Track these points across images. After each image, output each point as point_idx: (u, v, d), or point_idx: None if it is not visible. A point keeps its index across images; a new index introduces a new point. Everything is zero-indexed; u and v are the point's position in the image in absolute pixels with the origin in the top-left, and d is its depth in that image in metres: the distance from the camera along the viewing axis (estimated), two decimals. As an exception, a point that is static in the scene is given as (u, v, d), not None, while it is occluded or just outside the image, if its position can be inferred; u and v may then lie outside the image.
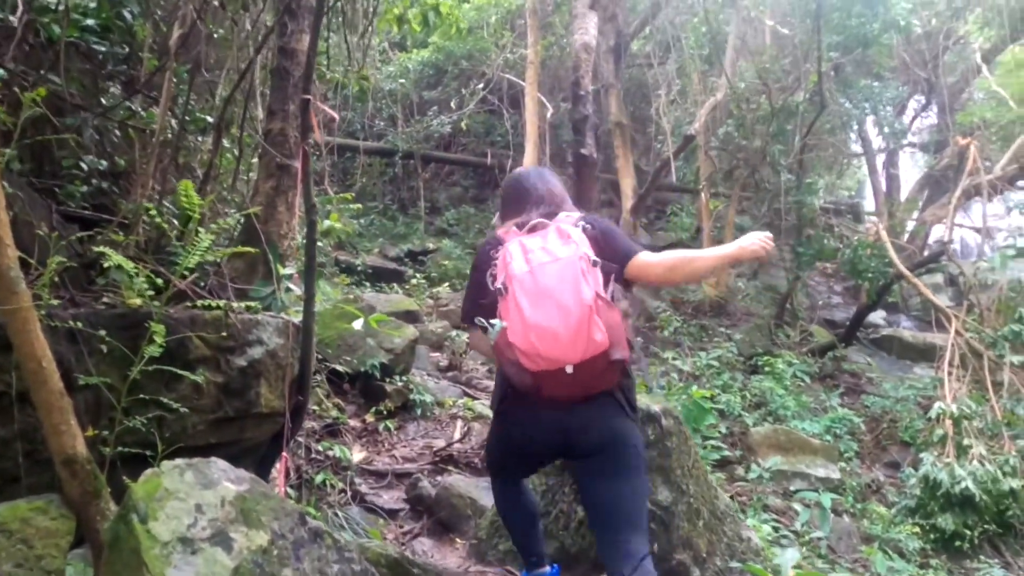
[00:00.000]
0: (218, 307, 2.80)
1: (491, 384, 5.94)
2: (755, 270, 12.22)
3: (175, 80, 3.47)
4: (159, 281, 2.67)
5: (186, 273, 2.74)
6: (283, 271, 3.33)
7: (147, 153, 3.34)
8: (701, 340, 9.78)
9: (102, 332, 2.43)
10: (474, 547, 3.52)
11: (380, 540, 3.42)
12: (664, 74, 11.81)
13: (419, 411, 5.25)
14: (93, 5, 3.42)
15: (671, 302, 10.73)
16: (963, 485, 5.57)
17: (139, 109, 3.64)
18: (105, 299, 2.70)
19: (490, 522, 3.48)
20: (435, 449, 4.74)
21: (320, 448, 4.21)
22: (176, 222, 3.07)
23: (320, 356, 4.87)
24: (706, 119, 10.10)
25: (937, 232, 11.51)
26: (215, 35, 3.97)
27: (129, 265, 2.55)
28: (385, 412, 5.00)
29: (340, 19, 4.64)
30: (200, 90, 4.07)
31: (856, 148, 14.14)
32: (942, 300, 9.03)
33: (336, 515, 3.62)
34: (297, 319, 3.17)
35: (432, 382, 6.05)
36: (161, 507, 1.81)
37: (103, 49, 3.48)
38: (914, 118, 14.60)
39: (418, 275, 10.37)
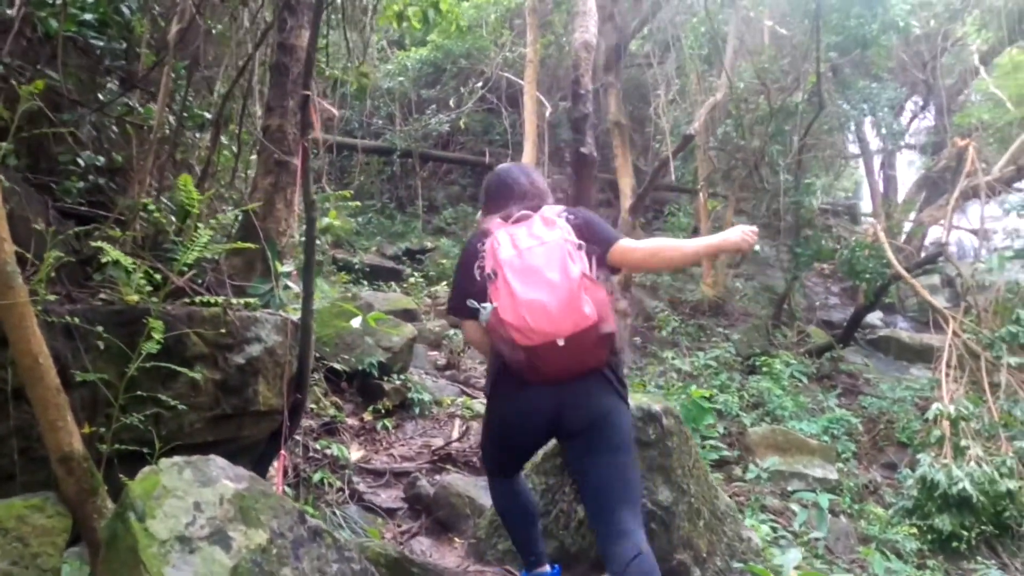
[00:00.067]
0: (216, 304, 2.79)
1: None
2: (751, 271, 12.23)
3: (173, 76, 3.45)
4: (157, 277, 2.66)
5: (184, 269, 2.73)
6: (281, 268, 3.31)
7: (145, 149, 3.32)
8: (699, 340, 9.79)
9: (99, 328, 2.41)
10: (473, 546, 3.50)
11: (379, 539, 3.41)
12: (663, 74, 11.78)
13: (417, 410, 5.24)
14: (91, 0, 3.40)
15: (669, 302, 10.74)
16: (960, 486, 5.58)
17: (137, 105, 3.62)
18: (102, 295, 2.68)
19: (489, 521, 3.46)
20: (433, 448, 4.73)
21: (318, 446, 4.19)
22: (174, 218, 3.05)
23: (318, 354, 4.85)
24: (705, 119, 10.09)
25: (934, 233, 11.52)
26: (214, 31, 3.96)
27: (127, 261, 2.53)
28: (383, 411, 4.98)
29: (340, 15, 4.62)
30: (198, 86, 4.06)
31: (854, 149, 14.14)
32: (939, 301, 9.05)
33: (334, 514, 3.61)
34: (295, 316, 3.16)
35: (430, 381, 6.03)
36: (159, 505, 1.79)
37: (101, 44, 3.47)
38: (912, 119, 14.63)
39: (416, 274, 10.36)
